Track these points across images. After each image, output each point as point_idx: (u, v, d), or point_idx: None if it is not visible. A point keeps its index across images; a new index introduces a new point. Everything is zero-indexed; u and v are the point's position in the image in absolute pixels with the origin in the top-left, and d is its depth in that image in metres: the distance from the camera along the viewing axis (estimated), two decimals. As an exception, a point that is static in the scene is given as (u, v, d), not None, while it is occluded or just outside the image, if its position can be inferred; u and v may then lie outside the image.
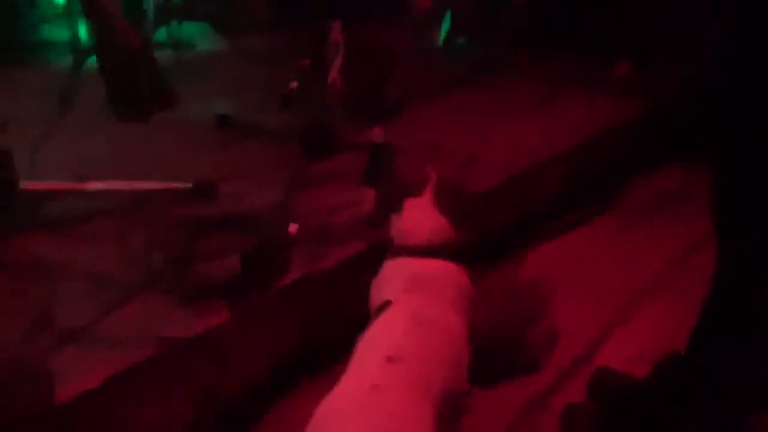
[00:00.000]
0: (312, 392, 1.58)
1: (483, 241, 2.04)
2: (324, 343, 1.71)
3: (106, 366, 1.29)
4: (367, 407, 1.05)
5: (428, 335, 1.22)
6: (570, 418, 1.58)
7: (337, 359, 1.67)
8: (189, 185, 1.92)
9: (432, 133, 2.35)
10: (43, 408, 1.14)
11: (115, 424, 1.33)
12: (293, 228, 1.74)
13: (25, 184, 1.78)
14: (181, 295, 1.51)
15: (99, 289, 1.54)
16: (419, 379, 1.12)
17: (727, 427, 1.36)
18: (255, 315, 1.56)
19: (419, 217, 1.43)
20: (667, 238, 2.32)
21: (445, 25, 3.19)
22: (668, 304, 1.97)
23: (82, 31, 2.97)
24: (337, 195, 1.97)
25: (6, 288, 1.53)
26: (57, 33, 3.18)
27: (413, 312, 1.25)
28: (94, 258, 1.65)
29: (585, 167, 2.52)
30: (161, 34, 3.14)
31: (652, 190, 2.66)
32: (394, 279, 1.36)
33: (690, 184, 2.57)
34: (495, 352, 1.63)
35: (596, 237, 2.35)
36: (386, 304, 1.28)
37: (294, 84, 2.59)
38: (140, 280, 1.57)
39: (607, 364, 1.67)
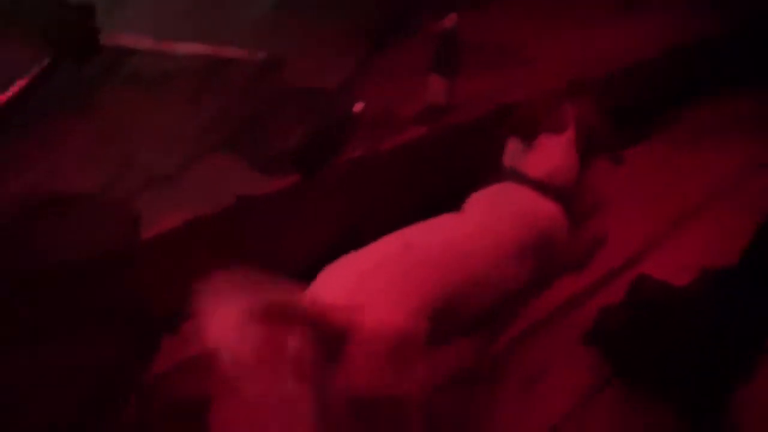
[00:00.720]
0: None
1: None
2: (374, 226, 1.80)
3: (185, 212, 1.39)
4: (364, 276, 1.05)
5: (468, 250, 1.18)
6: (604, 317, 1.65)
7: None
8: (263, 56, 1.95)
9: (503, 32, 2.31)
10: (129, 244, 1.25)
11: (189, 267, 1.46)
12: (358, 107, 1.78)
13: (107, 39, 1.84)
14: (251, 159, 1.60)
15: (177, 144, 1.63)
16: (421, 275, 1.08)
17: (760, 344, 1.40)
18: (317, 185, 1.63)
19: (553, 153, 1.37)
20: (730, 158, 2.29)
21: None
22: (721, 221, 1.97)
23: None
24: (405, 80, 1.98)
25: (92, 135, 1.63)
26: None
27: (480, 225, 1.22)
28: (172, 115, 1.74)
29: (654, 81, 2.45)
30: None
31: (722, 111, 2.59)
32: (487, 194, 1.33)
33: (763, 109, 2.49)
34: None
35: (657, 152, 2.33)
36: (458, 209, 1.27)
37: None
38: (215, 141, 1.65)
39: (649, 273, 1.72)
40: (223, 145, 1.64)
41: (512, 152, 1.40)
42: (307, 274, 1.61)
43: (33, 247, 1.18)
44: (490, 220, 1.25)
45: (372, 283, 1.04)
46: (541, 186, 1.33)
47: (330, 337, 0.99)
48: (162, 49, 1.90)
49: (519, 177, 1.35)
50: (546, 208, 1.33)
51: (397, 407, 1.05)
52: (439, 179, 1.89)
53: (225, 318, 0.93)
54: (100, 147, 1.60)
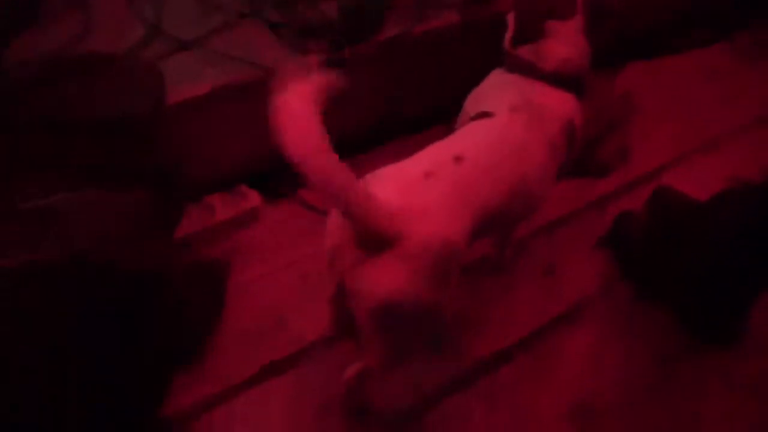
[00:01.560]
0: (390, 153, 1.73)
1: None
2: (408, 110, 1.78)
3: (214, 78, 1.38)
4: (416, 186, 1.04)
5: (512, 158, 1.17)
6: (621, 222, 1.65)
7: (419, 129, 1.78)
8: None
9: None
10: (156, 106, 1.25)
11: (212, 135, 1.47)
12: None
13: None
14: (283, 31, 1.56)
15: (207, 11, 1.60)
16: (471, 189, 1.09)
17: None
18: (348, 65, 1.60)
19: (561, 42, 1.30)
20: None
21: None
22: (757, 144, 1.93)
23: None
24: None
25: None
26: None
27: (506, 131, 1.20)
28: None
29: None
30: None
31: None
32: (503, 93, 1.28)
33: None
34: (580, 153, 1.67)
35: (704, 65, 2.23)
36: (484, 115, 1.23)
37: None
38: (244, 9, 1.61)
39: (672, 185, 1.70)
40: (253, 14, 1.60)
41: (516, 37, 1.34)
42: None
43: (62, 104, 1.19)
44: (521, 125, 1.21)
45: (423, 194, 1.04)
46: (555, 78, 1.28)
47: (372, 234, 0.99)
48: None
49: (529, 69, 1.29)
50: (565, 102, 1.29)
51: (429, 314, 1.07)
52: (468, 67, 1.84)
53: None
54: (129, 10, 1.57)
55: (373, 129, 1.72)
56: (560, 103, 1.28)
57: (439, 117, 1.81)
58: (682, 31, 2.25)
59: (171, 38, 1.49)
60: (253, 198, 1.56)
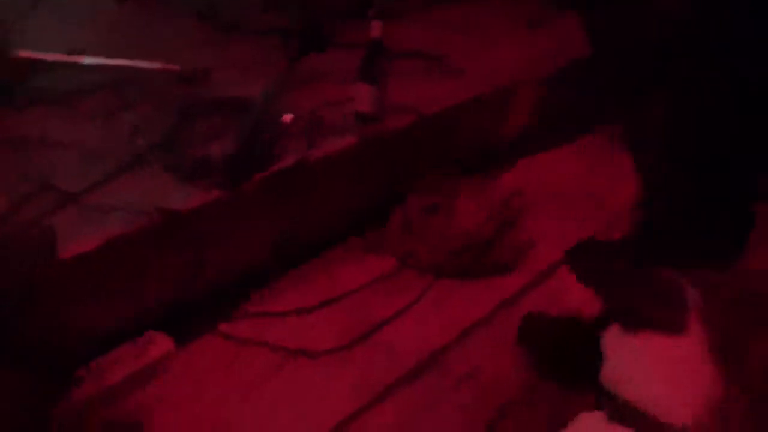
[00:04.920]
0: (296, 279, 1.72)
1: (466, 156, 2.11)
2: (307, 235, 1.79)
3: (105, 231, 1.34)
4: None
5: None
6: (527, 322, 1.67)
7: (318, 254, 1.79)
8: (182, 68, 1.91)
9: (422, 43, 2.35)
10: (46, 266, 1.18)
11: (111, 288, 1.40)
12: (287, 118, 1.76)
13: (16, 54, 1.75)
14: (175, 173, 1.55)
15: (94, 162, 1.57)
16: None
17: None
18: (247, 198, 1.60)
19: (682, 377, 0.86)
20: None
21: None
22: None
23: None
24: (331, 90, 1.98)
25: (3, 153, 1.54)
26: None
27: None
28: (87, 133, 1.67)
29: (568, 91, 2.55)
30: None
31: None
32: None
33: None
34: (473, 252, 1.73)
35: (573, 160, 2.41)
36: None
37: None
38: (134, 156, 1.59)
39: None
40: (141, 160, 1.58)
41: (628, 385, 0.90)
42: (233, 291, 1.60)
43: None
44: None
45: None
46: None
47: None
48: (74, 62, 1.83)
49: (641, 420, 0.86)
50: None
51: None
52: (367, 189, 1.90)
53: None
54: (12, 166, 1.51)
55: (269, 260, 1.71)
56: None
57: (335, 239, 1.84)
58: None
59: (58, 192, 1.44)
60: (164, 344, 1.47)
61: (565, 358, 1.50)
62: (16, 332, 1.08)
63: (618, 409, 0.90)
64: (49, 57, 1.80)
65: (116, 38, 2.14)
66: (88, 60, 1.84)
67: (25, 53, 1.77)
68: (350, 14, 2.16)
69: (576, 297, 1.60)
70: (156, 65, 1.88)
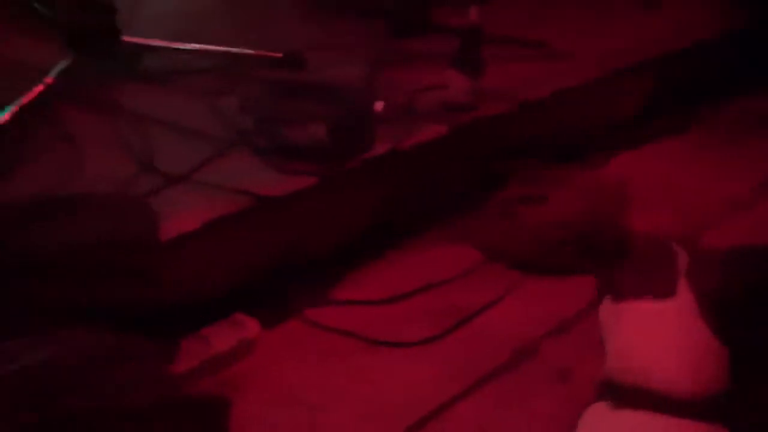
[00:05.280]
0: (384, 265, 1.71)
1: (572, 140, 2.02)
2: (400, 221, 1.77)
3: (204, 211, 1.37)
4: None
5: None
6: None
7: (408, 241, 1.77)
8: (279, 54, 1.93)
9: (520, 27, 2.26)
10: (150, 242, 1.23)
11: (207, 266, 1.44)
12: (379, 105, 1.74)
13: (127, 38, 1.84)
14: (270, 156, 1.58)
15: (193, 141, 1.62)
16: None
17: None
18: (338, 184, 1.61)
19: (665, 340, 0.82)
20: (758, 161, 2.21)
21: None
22: (744, 229, 1.89)
23: None
24: (425, 75, 1.95)
25: (110, 132, 1.62)
26: None
27: None
28: (188, 112, 1.72)
29: (680, 76, 2.39)
30: None
31: (755, 110, 2.50)
32: None
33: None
34: (571, 246, 1.65)
35: (684, 150, 2.26)
36: None
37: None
38: (232, 138, 1.63)
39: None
40: (238, 141, 1.62)
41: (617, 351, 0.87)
42: (320, 276, 1.61)
43: (49, 243, 1.17)
44: None
45: None
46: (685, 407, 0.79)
47: None
48: (179, 48, 1.89)
49: (641, 397, 0.81)
50: None
51: None
52: (461, 176, 1.86)
53: None
54: (118, 144, 1.59)
55: (357, 246, 1.70)
56: None
57: (426, 226, 1.80)
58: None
59: (160, 172, 1.50)
60: (251, 327, 1.50)
61: None
62: (125, 296, 1.13)
63: (620, 391, 0.85)
64: (157, 42, 1.88)
65: (220, 16, 2.19)
66: (192, 46, 1.89)
67: (134, 38, 1.84)
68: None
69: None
70: (258, 52, 1.92)
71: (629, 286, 0.89)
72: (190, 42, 1.91)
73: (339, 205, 1.63)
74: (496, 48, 1.96)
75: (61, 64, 1.67)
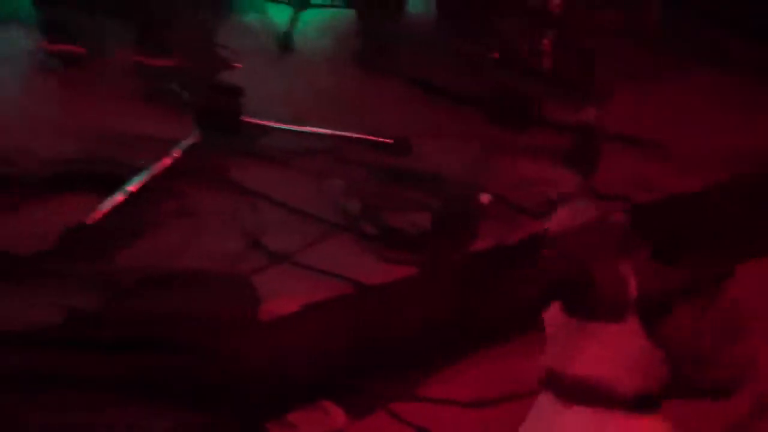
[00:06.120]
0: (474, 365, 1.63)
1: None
2: (490, 320, 1.70)
3: (304, 295, 1.38)
4: None
5: None
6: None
7: (501, 342, 1.69)
8: (390, 140, 1.97)
9: (634, 123, 2.19)
10: (250, 321, 1.24)
11: (298, 348, 1.44)
12: (485, 198, 1.72)
13: (246, 118, 1.94)
14: (372, 242, 1.58)
15: (300, 221, 1.65)
16: None
17: None
18: (438, 275, 1.58)
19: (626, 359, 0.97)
20: None
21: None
22: None
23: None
24: (532, 170, 1.91)
25: (225, 206, 1.69)
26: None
27: None
28: (296, 191, 1.77)
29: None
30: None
31: None
32: None
33: None
34: (688, 369, 1.51)
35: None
36: None
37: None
38: (336, 220, 1.65)
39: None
40: (343, 225, 1.63)
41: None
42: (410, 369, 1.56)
43: (153, 319, 1.21)
44: None
45: None
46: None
47: None
48: (293, 129, 1.97)
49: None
50: None
51: None
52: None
53: None
54: (231, 220, 1.64)
55: (451, 339, 1.64)
56: None
57: (520, 329, 1.72)
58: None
59: (265, 251, 1.53)
60: (338, 416, 1.47)
61: None
62: (218, 376, 1.13)
63: (566, 387, 0.99)
64: (274, 124, 1.97)
65: (333, 99, 2.27)
66: (308, 128, 1.97)
67: (253, 119, 1.94)
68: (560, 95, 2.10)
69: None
70: (368, 137, 1.96)
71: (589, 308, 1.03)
72: (302, 124, 1.99)
73: (435, 297, 1.60)
74: (608, 144, 1.90)
75: (188, 140, 1.77)
